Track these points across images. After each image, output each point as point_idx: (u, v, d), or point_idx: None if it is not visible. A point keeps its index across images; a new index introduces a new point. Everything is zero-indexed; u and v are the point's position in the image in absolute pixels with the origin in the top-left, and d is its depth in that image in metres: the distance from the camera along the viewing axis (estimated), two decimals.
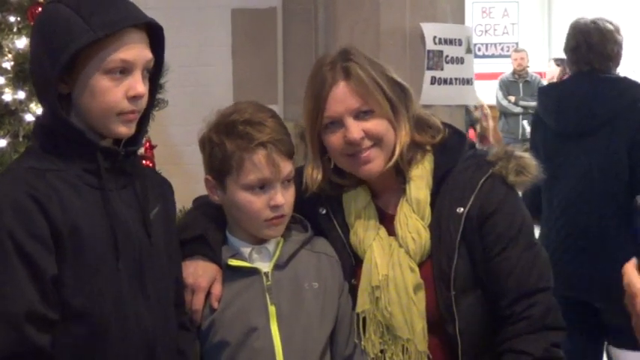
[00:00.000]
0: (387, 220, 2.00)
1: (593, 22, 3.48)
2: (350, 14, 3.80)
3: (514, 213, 1.95)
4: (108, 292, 1.67)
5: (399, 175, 1.99)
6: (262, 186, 1.90)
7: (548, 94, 3.64)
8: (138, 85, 1.69)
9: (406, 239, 1.94)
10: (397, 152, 1.94)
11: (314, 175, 1.97)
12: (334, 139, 1.92)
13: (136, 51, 1.69)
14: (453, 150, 1.99)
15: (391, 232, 1.98)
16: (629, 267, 1.42)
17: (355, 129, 1.89)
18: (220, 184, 1.93)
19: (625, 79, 3.45)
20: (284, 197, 1.91)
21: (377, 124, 1.92)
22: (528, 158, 1.97)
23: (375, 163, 1.93)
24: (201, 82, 4.62)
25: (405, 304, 1.91)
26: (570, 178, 3.31)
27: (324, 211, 2.02)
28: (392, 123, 1.94)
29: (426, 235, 1.94)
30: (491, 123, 5.77)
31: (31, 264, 1.59)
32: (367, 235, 1.97)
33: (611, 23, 3.49)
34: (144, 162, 2.96)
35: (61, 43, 1.64)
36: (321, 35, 4.36)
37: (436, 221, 1.94)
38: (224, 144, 1.89)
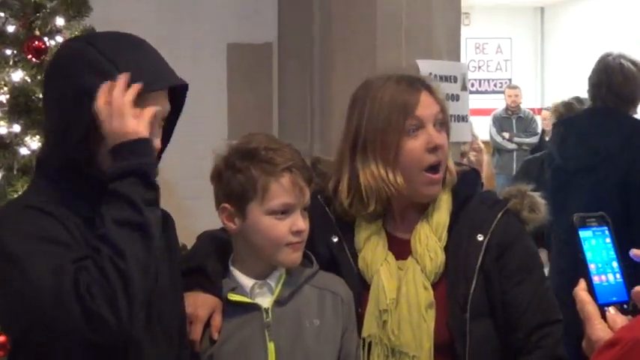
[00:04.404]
0: (396, 246, 2.04)
1: (619, 61, 3.51)
2: (345, 50, 3.83)
3: (529, 246, 2.06)
4: None
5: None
6: (285, 211, 1.91)
7: (558, 128, 3.69)
8: (155, 139, 1.66)
9: (424, 257, 1.99)
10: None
11: (391, 179, 1.98)
12: (417, 144, 1.98)
13: (158, 105, 1.66)
14: (472, 182, 2.11)
15: (399, 257, 2.03)
16: (579, 291, 1.42)
17: (437, 134, 1.99)
18: (240, 211, 1.92)
19: (627, 116, 3.47)
20: (305, 222, 1.93)
21: (446, 141, 2.02)
22: (539, 197, 2.09)
23: (440, 185, 2.03)
24: (196, 116, 4.60)
25: (415, 321, 1.96)
26: (572, 212, 3.33)
27: (336, 239, 2.05)
28: (448, 142, 2.05)
29: (442, 257, 2.00)
30: (485, 157, 5.75)
31: (63, 243, 1.54)
32: (375, 260, 2.02)
33: (635, 64, 3.52)
34: None
35: (88, 91, 1.60)
36: (317, 71, 4.38)
37: (454, 245, 2.01)
38: (249, 169, 1.90)
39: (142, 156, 1.55)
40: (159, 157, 1.77)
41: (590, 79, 3.58)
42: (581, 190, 3.37)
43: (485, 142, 8.29)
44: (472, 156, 5.85)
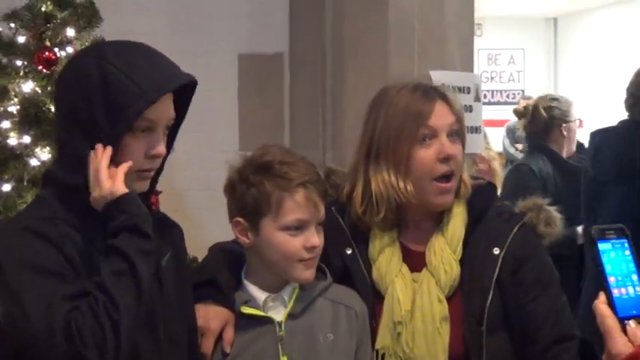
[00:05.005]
0: (410, 258, 2.04)
1: None
2: (358, 61, 3.82)
3: (546, 261, 2.05)
4: None
5: (438, 212, 2.05)
6: (299, 227, 1.90)
7: (593, 139, 3.67)
8: (159, 145, 1.70)
9: (439, 270, 1.99)
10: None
11: (401, 186, 1.99)
12: (428, 153, 1.97)
13: (162, 110, 1.71)
14: (487, 195, 2.10)
15: (414, 269, 2.02)
16: (599, 304, 1.42)
17: (450, 145, 1.98)
18: (253, 225, 1.92)
19: None
20: (319, 238, 1.92)
21: (460, 150, 2.01)
22: (555, 211, 2.11)
23: (452, 195, 2.01)
24: (207, 127, 4.61)
25: (430, 334, 1.95)
26: (604, 223, 3.33)
27: (349, 251, 2.05)
28: (463, 153, 2.03)
29: (457, 270, 1.99)
30: (497, 167, 5.66)
31: (58, 274, 1.59)
32: (389, 270, 2.01)
33: None
34: None
35: (115, 110, 1.64)
36: (329, 81, 4.37)
37: (470, 259, 2.00)
38: (263, 183, 1.89)
39: (127, 211, 1.64)
40: (163, 163, 1.78)
41: (628, 89, 3.56)
42: (613, 200, 3.36)
43: (498, 154, 8.24)
44: (481, 166, 5.75)
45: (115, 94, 1.64)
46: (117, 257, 1.59)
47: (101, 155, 1.65)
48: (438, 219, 2.05)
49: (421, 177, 1.98)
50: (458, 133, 2.01)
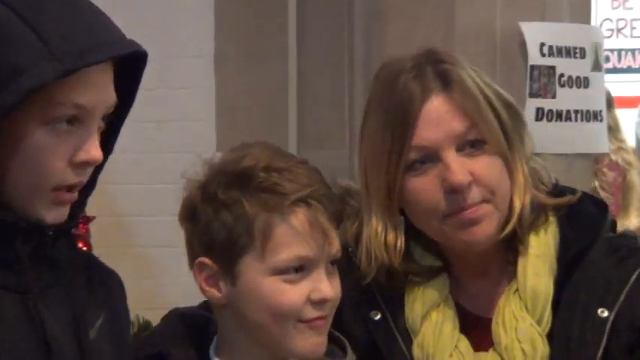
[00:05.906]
0: (471, 327, 2.08)
1: None
2: (408, 5, 3.84)
3: None
4: None
5: (506, 251, 2.07)
6: (300, 268, 1.92)
7: None
8: (92, 146, 1.71)
9: (513, 351, 2.01)
10: (516, 212, 2.02)
11: (390, 240, 2.02)
12: (423, 186, 1.98)
13: (97, 93, 1.72)
14: (590, 223, 2.09)
15: (479, 344, 2.06)
16: None
17: (459, 167, 1.96)
18: (227, 270, 1.94)
19: None
20: (332, 287, 1.93)
21: (489, 165, 2.00)
22: None
23: (485, 225, 1.99)
24: (164, 114, 4.63)
25: None
26: None
27: (378, 316, 2.08)
28: (507, 164, 2.02)
29: (543, 350, 2.01)
30: (635, 179, 5.62)
31: None
32: (439, 347, 2.04)
33: None
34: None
35: (3, 74, 1.64)
36: (359, 31, 4.39)
37: (562, 329, 2.01)
38: (241, 203, 1.90)
39: None
40: (95, 175, 1.81)
41: None
42: None
43: (634, 152, 8.20)
44: (603, 176, 5.70)
45: (3, 48, 1.65)
46: None
47: None
48: (505, 260, 2.08)
49: (423, 219, 2.02)
50: (478, 142, 2.00)
